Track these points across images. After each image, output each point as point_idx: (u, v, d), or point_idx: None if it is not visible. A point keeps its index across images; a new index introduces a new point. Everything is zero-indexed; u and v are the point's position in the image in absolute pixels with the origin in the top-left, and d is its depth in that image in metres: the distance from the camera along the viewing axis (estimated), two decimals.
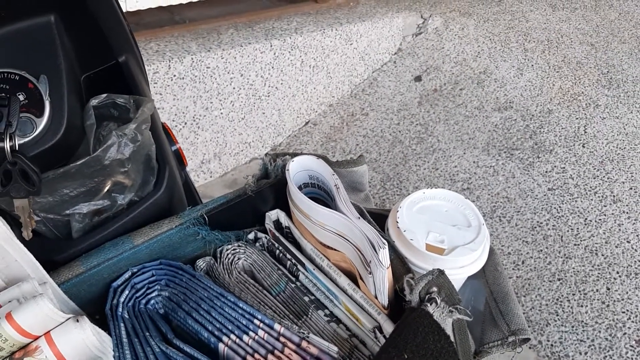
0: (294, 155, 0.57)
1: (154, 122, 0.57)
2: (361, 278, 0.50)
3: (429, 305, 0.45)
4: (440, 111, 1.71)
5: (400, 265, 0.51)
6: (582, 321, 1.17)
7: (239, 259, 0.56)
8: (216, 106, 1.44)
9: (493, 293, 0.55)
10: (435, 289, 0.46)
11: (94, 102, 0.54)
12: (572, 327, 1.16)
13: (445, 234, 0.55)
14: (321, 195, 0.58)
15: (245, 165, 1.58)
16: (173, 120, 1.35)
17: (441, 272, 0.47)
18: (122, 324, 0.49)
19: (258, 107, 1.55)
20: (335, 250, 0.52)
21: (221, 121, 1.47)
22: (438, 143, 1.60)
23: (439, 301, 0.45)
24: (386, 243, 0.46)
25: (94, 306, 0.50)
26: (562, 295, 1.22)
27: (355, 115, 1.72)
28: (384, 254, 0.46)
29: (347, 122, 1.70)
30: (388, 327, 0.47)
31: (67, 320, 0.43)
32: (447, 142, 1.60)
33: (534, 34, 1.97)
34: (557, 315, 1.18)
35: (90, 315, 0.47)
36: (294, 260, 0.55)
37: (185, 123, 1.38)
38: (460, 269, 0.53)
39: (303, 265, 0.55)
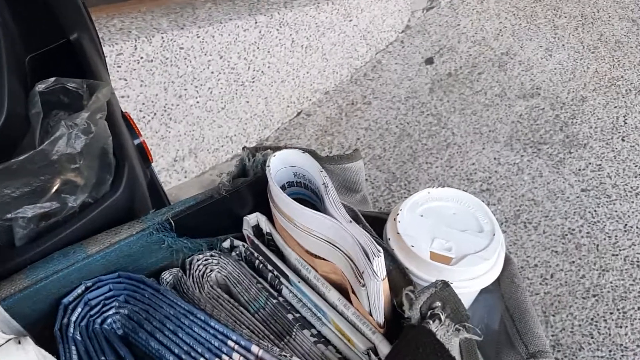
0: (276, 149, 0.57)
1: (111, 111, 0.57)
2: (354, 292, 0.50)
3: (431, 322, 0.45)
4: (455, 99, 1.71)
5: (399, 276, 0.51)
6: (622, 344, 1.17)
7: (211, 270, 0.56)
8: (191, 94, 1.44)
9: (509, 309, 0.55)
10: (439, 303, 0.46)
11: (40, 87, 0.54)
12: (610, 351, 1.17)
13: (452, 241, 0.55)
14: (308, 196, 0.58)
15: (226, 163, 1.58)
16: (140, 111, 1.35)
17: (445, 284, 0.47)
18: (73, 347, 0.49)
19: (241, 94, 1.55)
20: (323, 259, 0.52)
21: (197, 111, 1.47)
22: (453, 136, 1.61)
23: (443, 318, 0.45)
24: (382, 251, 0.46)
25: (41, 326, 0.50)
26: (598, 315, 1.22)
27: (355, 105, 1.72)
28: (379, 264, 0.46)
29: (346, 113, 1.70)
30: (384, 348, 0.47)
31: (7, 342, 0.43)
32: (463, 136, 1.60)
33: (566, 8, 1.98)
34: (592, 337, 1.19)
35: (36, 336, 0.47)
36: (276, 272, 0.55)
37: (155, 114, 1.39)
38: (470, 281, 0.53)
39: (286, 277, 0.55)
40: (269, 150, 0.60)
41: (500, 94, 1.72)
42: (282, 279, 0.55)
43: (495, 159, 1.54)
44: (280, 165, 0.56)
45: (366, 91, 1.76)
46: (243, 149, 0.60)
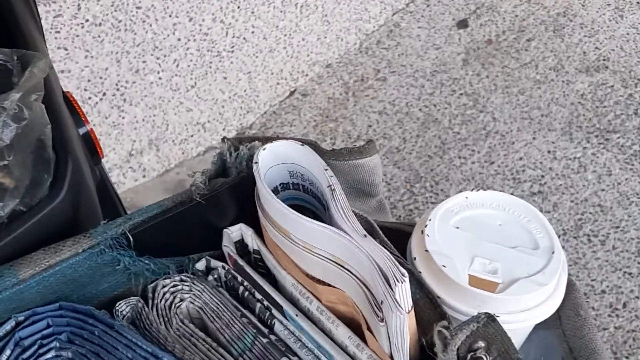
0: (266, 140, 0.57)
1: (49, 90, 0.56)
2: (369, 329, 0.50)
3: None
4: (496, 74, 1.71)
5: (429, 307, 0.51)
6: None
7: (181, 300, 0.56)
8: (152, 68, 1.44)
9: (573, 351, 0.56)
10: (482, 343, 0.46)
11: None
12: None
13: (499, 260, 0.55)
14: (308, 202, 0.57)
15: (197, 158, 1.58)
16: (85, 90, 1.35)
17: (490, 318, 0.47)
18: None
19: (217, 68, 1.55)
20: (329, 286, 0.52)
21: (160, 91, 1.47)
22: (494, 123, 1.61)
23: None
24: (407, 275, 0.46)
25: None
26: None
27: (366, 81, 1.72)
28: (403, 291, 0.46)
29: (354, 92, 1.70)
30: None
31: None
32: (507, 122, 1.60)
33: None
34: None
35: None
36: (266, 302, 0.55)
37: (105, 94, 1.38)
38: (523, 313, 0.53)
39: (280, 309, 0.54)
40: (256, 142, 0.59)
41: (556, 67, 1.72)
42: (274, 312, 0.55)
43: (549, 152, 1.54)
44: (271, 162, 0.55)
45: (380, 64, 1.76)
46: (223, 140, 0.60)
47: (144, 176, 1.51)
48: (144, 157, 1.50)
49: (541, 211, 1.41)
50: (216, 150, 0.60)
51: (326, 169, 0.53)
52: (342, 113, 1.65)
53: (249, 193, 0.57)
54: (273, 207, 0.52)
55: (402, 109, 1.65)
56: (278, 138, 0.57)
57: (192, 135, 1.56)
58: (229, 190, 0.58)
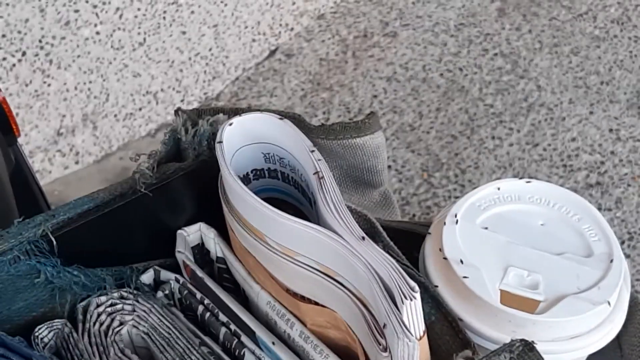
0: (233, 112, 0.57)
1: None
2: (368, 359, 0.50)
3: None
4: (542, 28, 1.71)
5: (447, 333, 0.51)
6: None
7: (121, 323, 0.56)
8: (86, 19, 1.43)
9: None
10: None
11: None
12: None
13: (540, 271, 0.55)
14: (289, 194, 0.57)
15: (146, 138, 1.57)
16: None
17: (529, 348, 0.47)
18: None
19: (172, 20, 1.54)
20: (316, 304, 0.52)
21: (97, 49, 1.47)
22: (538, 93, 1.61)
23: None
24: (417, 289, 0.46)
25: None
26: None
27: (370, 37, 1.72)
28: (414, 311, 0.46)
29: (354, 52, 1.70)
30: None
31: None
32: (556, 91, 1.60)
33: None
34: None
35: None
36: (233, 327, 0.55)
37: (24, 53, 1.38)
38: (571, 341, 0.53)
39: (252, 335, 0.54)
40: (220, 115, 0.60)
41: (620, 18, 1.72)
42: (244, 339, 0.54)
43: (611, 130, 1.55)
44: (240, 141, 0.55)
45: (389, 14, 1.76)
46: (176, 112, 0.60)
47: (77, 162, 1.51)
48: (77, 137, 1.50)
49: (600, 208, 1.42)
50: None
51: (312, 151, 0.53)
52: (338, 79, 1.65)
53: (210, 182, 0.57)
54: (242, 200, 0.52)
55: (417, 74, 1.65)
56: (249, 110, 0.57)
57: (140, 109, 1.56)
58: (184, 178, 0.58)
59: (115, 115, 1.53)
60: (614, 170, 1.49)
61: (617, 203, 1.44)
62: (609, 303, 0.54)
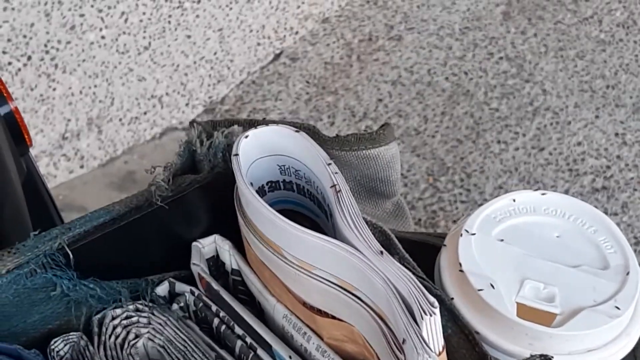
0: (250, 124, 0.57)
1: None
2: None
3: None
4: (547, 32, 1.71)
5: (464, 346, 0.51)
6: None
7: (137, 336, 0.56)
8: (91, 23, 1.43)
9: None
10: None
11: None
12: None
13: (556, 284, 0.55)
14: (305, 207, 0.57)
15: (152, 142, 1.57)
16: (4, 52, 1.35)
17: None
18: None
19: (177, 24, 1.54)
20: (333, 318, 0.52)
21: (102, 54, 1.46)
22: (544, 97, 1.61)
23: None
24: (437, 305, 0.46)
25: None
26: None
27: (375, 41, 1.71)
28: (434, 327, 0.46)
29: (359, 55, 1.69)
30: None
31: None
32: (561, 95, 1.60)
33: None
34: None
35: None
36: (249, 340, 0.55)
37: (30, 58, 1.38)
38: (588, 354, 0.53)
39: (268, 348, 0.54)
40: (235, 126, 0.59)
41: (626, 22, 1.72)
42: (260, 352, 0.54)
43: (617, 134, 1.54)
44: (256, 154, 0.55)
45: (394, 17, 1.75)
46: (191, 124, 0.60)
47: (82, 166, 1.51)
48: (82, 141, 1.50)
49: (606, 213, 1.41)
50: (179, 134, 0.60)
51: (329, 164, 0.53)
52: (343, 83, 1.65)
53: (225, 194, 0.57)
54: (258, 213, 0.52)
55: (422, 78, 1.65)
56: (264, 122, 0.57)
57: (145, 113, 1.56)
58: (199, 190, 0.58)
59: (120, 119, 1.53)
60: (620, 174, 1.49)
61: (624, 207, 1.44)
62: (626, 316, 0.54)
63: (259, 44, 1.67)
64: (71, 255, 0.54)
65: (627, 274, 0.56)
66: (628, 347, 0.55)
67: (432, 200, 1.48)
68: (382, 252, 0.49)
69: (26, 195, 0.68)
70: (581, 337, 0.53)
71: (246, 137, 0.55)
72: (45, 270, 0.54)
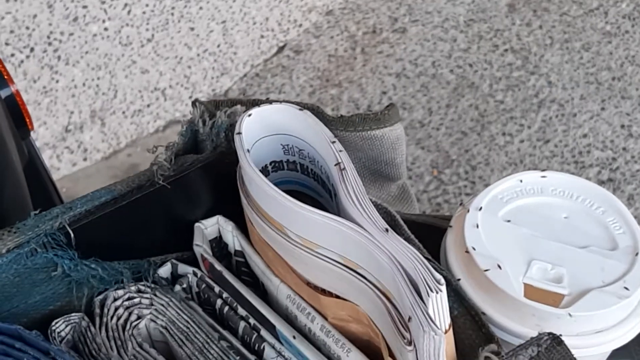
0: (252, 104, 0.57)
1: None
2: (391, 355, 0.50)
3: None
4: (552, 24, 1.71)
5: (471, 327, 0.51)
6: None
7: (139, 317, 0.56)
8: (94, 15, 1.43)
9: None
10: None
11: None
12: None
13: (564, 265, 0.55)
14: (309, 187, 0.57)
15: (155, 135, 1.57)
16: (7, 44, 1.35)
17: (557, 341, 0.47)
18: None
19: (181, 16, 1.54)
20: (337, 298, 0.52)
21: (105, 46, 1.47)
22: (549, 89, 1.60)
23: None
24: (443, 282, 0.46)
25: None
26: None
27: (379, 34, 1.71)
28: (440, 304, 0.46)
29: (363, 48, 1.69)
30: None
31: None
32: (567, 87, 1.60)
33: None
34: None
35: None
36: (252, 321, 0.55)
37: (32, 49, 1.38)
38: (596, 335, 0.53)
39: (272, 329, 0.54)
40: (238, 106, 0.59)
41: (632, 13, 1.72)
42: (263, 333, 0.54)
43: (623, 126, 1.54)
44: (259, 133, 0.55)
45: (398, 10, 1.75)
46: (194, 104, 0.60)
47: (85, 159, 1.51)
48: (85, 133, 1.50)
49: None
50: (179, 125, 0.60)
51: (333, 142, 0.53)
52: (347, 76, 1.65)
53: (228, 174, 0.57)
54: (262, 192, 0.52)
55: (427, 70, 1.65)
56: (268, 101, 0.57)
57: (148, 105, 1.56)
58: (201, 170, 0.58)
59: (124, 112, 1.53)
60: (625, 166, 1.49)
61: (630, 200, 1.44)
62: (635, 297, 0.54)
63: (262, 37, 1.67)
64: (72, 235, 0.54)
65: (637, 254, 0.56)
66: (637, 328, 0.55)
67: (437, 192, 1.48)
68: (387, 230, 0.49)
69: (28, 180, 0.68)
70: (589, 318, 0.53)
71: (249, 115, 0.55)
72: (46, 249, 0.54)
